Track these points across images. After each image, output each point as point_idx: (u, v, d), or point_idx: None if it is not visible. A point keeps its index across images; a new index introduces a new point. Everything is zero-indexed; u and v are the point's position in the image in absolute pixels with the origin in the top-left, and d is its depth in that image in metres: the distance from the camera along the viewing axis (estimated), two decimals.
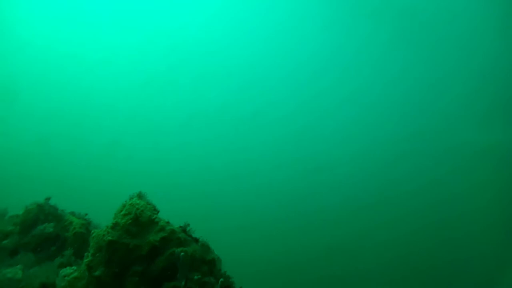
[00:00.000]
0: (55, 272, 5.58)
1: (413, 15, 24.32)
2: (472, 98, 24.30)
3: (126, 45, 24.92)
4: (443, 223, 21.34)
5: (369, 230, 21.45)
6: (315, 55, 25.71)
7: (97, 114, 24.85)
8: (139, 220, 4.73)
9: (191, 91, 25.07)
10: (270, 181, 23.80)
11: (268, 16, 25.18)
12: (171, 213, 5.16)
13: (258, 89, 25.43)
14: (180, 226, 5.00)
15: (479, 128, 23.42)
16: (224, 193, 23.40)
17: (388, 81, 25.65)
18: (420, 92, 25.68)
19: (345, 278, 18.87)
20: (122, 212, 4.80)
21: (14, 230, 6.89)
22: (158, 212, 4.96)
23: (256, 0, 25.19)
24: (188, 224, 5.02)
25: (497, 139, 22.16)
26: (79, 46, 24.25)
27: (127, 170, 23.56)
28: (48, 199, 7.30)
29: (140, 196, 4.92)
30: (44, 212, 7.08)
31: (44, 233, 6.77)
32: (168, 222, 4.91)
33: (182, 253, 4.30)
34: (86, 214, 7.36)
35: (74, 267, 5.62)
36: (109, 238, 4.64)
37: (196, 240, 5.05)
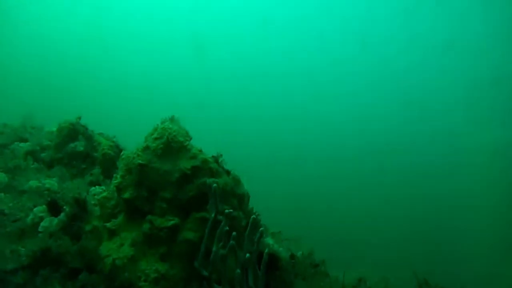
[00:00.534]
0: (86, 189, 5.74)
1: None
2: (485, 97, 24.77)
3: None
4: None
5: None
6: None
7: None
8: (170, 145, 4.47)
9: None
10: None
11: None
12: (202, 142, 4.88)
13: None
14: (213, 156, 4.74)
15: (490, 128, 23.91)
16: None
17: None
18: (431, 92, 27.47)
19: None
20: (154, 136, 4.54)
21: (50, 145, 7.28)
22: (190, 139, 4.67)
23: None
24: (221, 155, 4.75)
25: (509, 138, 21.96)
26: None
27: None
28: (79, 118, 7.38)
29: (172, 120, 4.62)
30: (75, 131, 7.26)
31: (76, 151, 7.07)
32: (200, 151, 4.63)
33: (214, 184, 4.05)
34: (114, 136, 7.51)
35: (103, 187, 5.64)
36: (139, 161, 4.44)
37: (228, 172, 4.82)
